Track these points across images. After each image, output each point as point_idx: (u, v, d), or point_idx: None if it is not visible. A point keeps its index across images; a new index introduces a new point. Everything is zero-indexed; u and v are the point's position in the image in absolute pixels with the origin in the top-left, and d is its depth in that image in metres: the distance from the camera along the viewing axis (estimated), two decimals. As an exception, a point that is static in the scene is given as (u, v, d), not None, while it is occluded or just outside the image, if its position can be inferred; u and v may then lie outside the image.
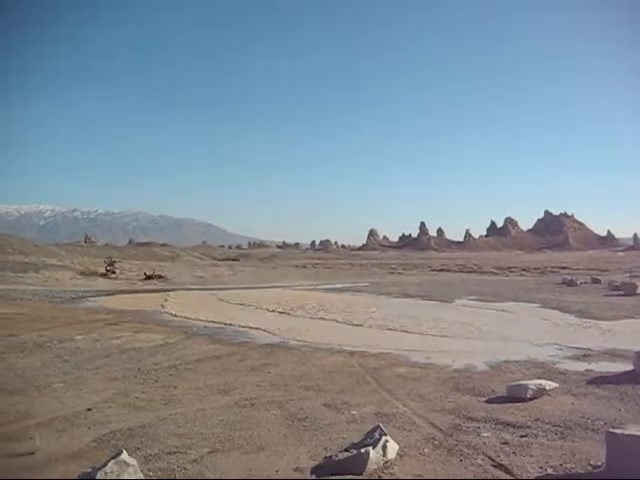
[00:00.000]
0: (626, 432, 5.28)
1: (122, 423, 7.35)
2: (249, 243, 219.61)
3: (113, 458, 4.63)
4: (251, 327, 17.62)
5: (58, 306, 24.40)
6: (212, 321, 19.07)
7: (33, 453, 6.19)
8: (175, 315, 21.28)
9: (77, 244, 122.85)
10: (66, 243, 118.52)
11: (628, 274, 48.81)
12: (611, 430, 5.47)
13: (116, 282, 43.25)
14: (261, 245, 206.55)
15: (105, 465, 4.54)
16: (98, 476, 4.43)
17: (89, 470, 4.60)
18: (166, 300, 27.97)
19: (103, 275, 48.33)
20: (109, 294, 32.21)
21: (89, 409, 8.04)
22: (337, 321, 19.68)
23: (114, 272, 48.75)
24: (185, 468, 5.74)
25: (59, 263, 58.63)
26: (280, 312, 22.64)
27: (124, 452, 4.73)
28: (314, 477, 5.49)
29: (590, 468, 5.59)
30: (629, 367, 10.36)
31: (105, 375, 10.42)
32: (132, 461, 4.69)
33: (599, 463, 5.56)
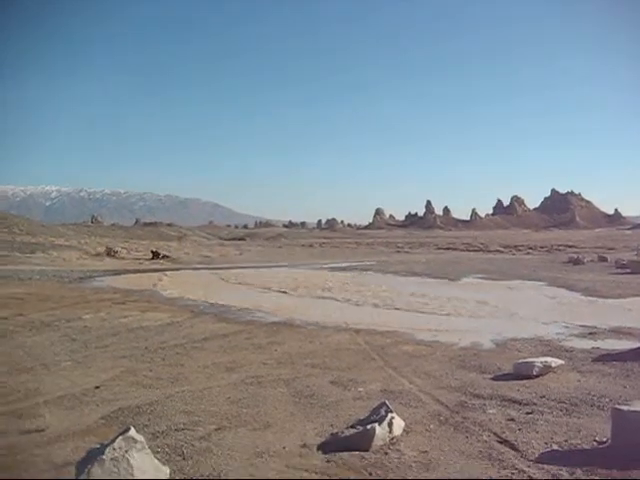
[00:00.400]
0: (631, 408, 5.31)
1: (130, 401, 7.42)
2: (255, 222, 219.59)
3: (121, 434, 4.68)
4: (252, 308, 17.52)
5: (66, 286, 24.49)
6: (209, 301, 18.93)
7: (43, 430, 6.27)
8: (170, 295, 21.26)
9: (84, 224, 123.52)
10: (73, 223, 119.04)
11: (635, 252, 48.70)
12: (616, 407, 5.51)
13: (123, 262, 43.39)
14: (267, 224, 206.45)
15: (113, 441, 4.59)
16: (106, 452, 4.48)
17: (97, 446, 4.66)
18: (161, 280, 27.93)
19: (112, 256, 48.32)
20: (116, 274, 32.31)
21: (97, 387, 8.12)
22: (343, 300, 19.67)
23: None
24: (192, 445, 5.80)
25: (66, 243, 59.03)
26: (285, 292, 22.66)
27: (132, 429, 4.78)
28: (320, 453, 5.56)
29: (595, 444, 5.64)
30: (635, 344, 10.42)
31: (113, 354, 10.50)
32: (140, 437, 4.74)
33: (604, 439, 5.60)
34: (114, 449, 4.52)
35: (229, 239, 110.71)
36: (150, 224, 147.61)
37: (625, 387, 7.81)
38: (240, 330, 13.23)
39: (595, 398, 7.22)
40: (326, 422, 6.48)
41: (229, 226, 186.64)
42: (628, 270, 28.84)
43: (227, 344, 11.52)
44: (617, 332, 12.46)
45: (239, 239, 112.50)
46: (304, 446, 5.75)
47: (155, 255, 47.04)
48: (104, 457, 4.46)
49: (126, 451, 4.55)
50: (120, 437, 4.64)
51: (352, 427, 5.92)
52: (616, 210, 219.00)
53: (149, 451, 4.79)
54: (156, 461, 4.81)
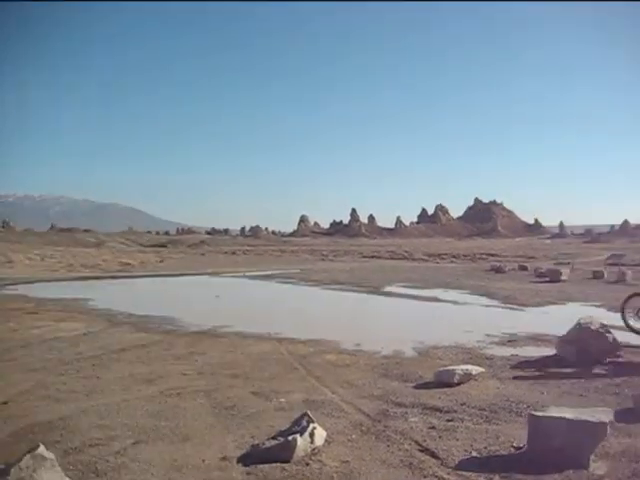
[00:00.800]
0: (547, 414, 5.50)
1: (40, 416, 7.11)
2: (177, 229, 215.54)
3: (29, 452, 4.46)
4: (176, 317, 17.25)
5: (-28, 295, 23.35)
6: (128, 311, 18.50)
7: (-58, 450, 5.92)
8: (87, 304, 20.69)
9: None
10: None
11: (553, 261, 50.78)
12: (532, 412, 5.69)
13: (37, 269, 41.78)
14: (189, 231, 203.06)
15: (20, 460, 4.36)
16: (12, 472, 4.26)
17: (2, 466, 4.41)
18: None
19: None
20: (29, 282, 31.08)
21: (4, 402, 7.74)
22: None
23: None
24: (107, 460, 5.60)
25: (-27, 249, 56.27)
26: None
27: (41, 446, 4.56)
28: (241, 466, 5.49)
29: (513, 450, 5.80)
30: (552, 351, 10.81)
31: (23, 367, 10.05)
32: (50, 455, 4.53)
33: (522, 445, 5.76)
34: (20, 469, 4.30)
35: (150, 246, 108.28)
36: (66, 230, 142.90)
37: (542, 393, 8.08)
38: (159, 340, 12.94)
39: (514, 405, 7.43)
40: (247, 434, 6.40)
41: (150, 232, 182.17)
42: (547, 279, 29.94)
43: (145, 355, 11.24)
44: (535, 339, 12.88)
45: (160, 246, 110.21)
46: (224, 459, 5.66)
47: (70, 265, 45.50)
48: (9, 478, 4.23)
49: (34, 470, 4.33)
50: (28, 455, 4.41)
51: (273, 438, 5.87)
52: (536, 220, 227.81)
53: (59, 469, 4.59)
54: (67, 479, 4.62)
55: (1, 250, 57.73)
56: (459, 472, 5.26)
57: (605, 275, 30.13)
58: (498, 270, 37.31)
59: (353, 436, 6.32)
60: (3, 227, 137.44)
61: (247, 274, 38.96)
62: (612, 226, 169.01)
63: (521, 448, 5.71)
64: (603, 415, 5.44)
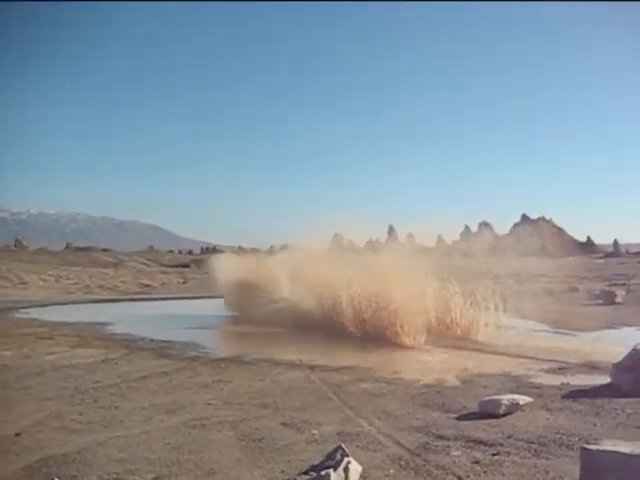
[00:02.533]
0: (601, 448, 5.43)
1: (56, 448, 7.25)
2: (201, 248, 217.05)
3: (44, 486, 4.58)
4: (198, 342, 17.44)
5: (-17, 319, 23.88)
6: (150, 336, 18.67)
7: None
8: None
9: (6, 249, 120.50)
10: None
11: (607, 282, 49.91)
12: (585, 446, 5.62)
13: (51, 291, 42.56)
14: (215, 250, 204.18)
15: (35, 494, 4.49)
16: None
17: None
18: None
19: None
20: (43, 305, 31.67)
21: (18, 434, 7.91)
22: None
23: None
24: (126, 496, 5.71)
25: (-16, 270, 57.55)
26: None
27: (57, 480, 4.69)
28: (270, 503, 5.53)
29: (564, 486, 5.74)
30: (606, 380, 10.65)
31: (37, 395, 10.25)
32: (66, 489, 4.65)
33: (573, 481, 5.71)
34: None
35: (172, 266, 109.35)
36: (83, 249, 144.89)
37: (595, 425, 7.99)
38: (182, 367, 13.08)
39: (564, 437, 7.36)
40: (277, 468, 6.44)
41: (172, 252, 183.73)
42: (600, 301, 29.53)
43: (168, 383, 11.37)
44: (588, 367, 12.73)
45: (183, 266, 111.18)
46: (252, 495, 5.71)
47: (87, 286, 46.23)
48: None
49: (50, 505, 4.44)
50: (43, 489, 4.53)
51: (305, 473, 5.91)
52: (588, 238, 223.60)
53: (76, 504, 4.70)
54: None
55: (14, 271, 58.99)
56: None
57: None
58: (547, 292, 36.90)
59: (391, 471, 6.31)
60: (16, 246, 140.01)
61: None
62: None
63: (573, 485, 5.65)
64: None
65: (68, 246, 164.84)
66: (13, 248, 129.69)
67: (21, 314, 26.49)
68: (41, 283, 49.67)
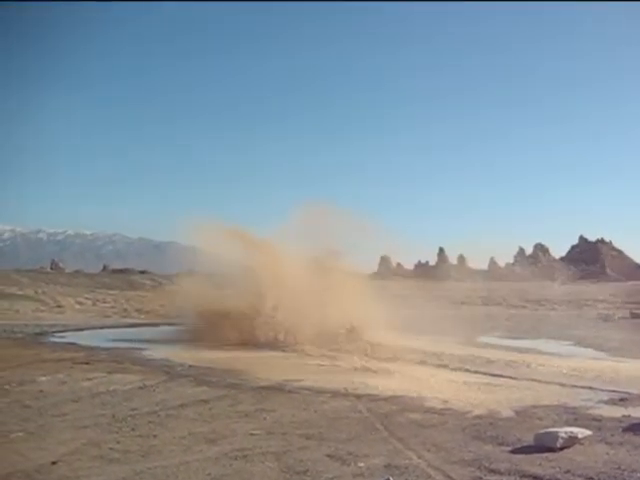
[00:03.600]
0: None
1: (93, 478, 7.38)
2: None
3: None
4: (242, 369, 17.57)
5: (18, 343, 24.38)
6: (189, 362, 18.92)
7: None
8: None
9: (42, 270, 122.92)
10: (28, 270, 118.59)
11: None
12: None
13: (88, 315, 43.25)
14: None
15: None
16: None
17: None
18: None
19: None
20: (79, 329, 32.18)
21: (54, 462, 8.07)
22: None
23: None
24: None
25: (20, 292, 58.81)
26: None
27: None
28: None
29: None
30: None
31: (73, 423, 10.45)
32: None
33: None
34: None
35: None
36: (120, 271, 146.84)
37: (658, 461, 7.84)
38: (223, 395, 13.19)
39: (626, 473, 7.29)
40: (321, 502, 6.46)
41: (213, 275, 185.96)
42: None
43: (208, 411, 11.49)
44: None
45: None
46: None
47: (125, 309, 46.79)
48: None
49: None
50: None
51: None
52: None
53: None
54: None
55: (50, 293, 60.19)
56: None
57: None
58: (607, 318, 36.37)
59: (442, 507, 6.28)
60: (52, 268, 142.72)
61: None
62: None
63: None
64: None
65: (105, 268, 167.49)
66: (49, 270, 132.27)
67: (57, 338, 26.93)
68: (77, 306, 50.48)
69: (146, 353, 21.35)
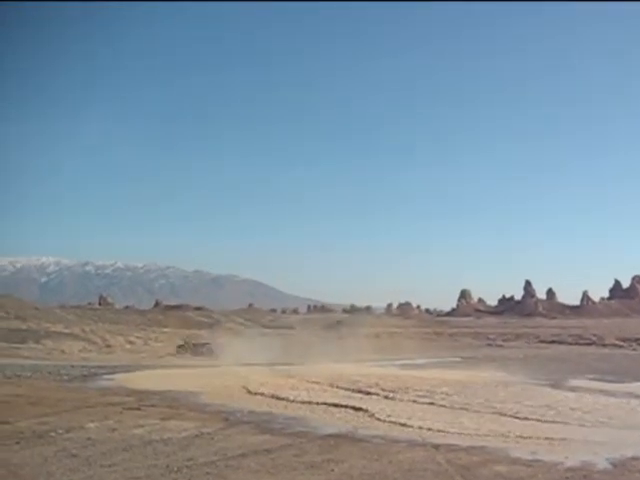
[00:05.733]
0: None
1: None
2: (308, 307, 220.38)
3: None
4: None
5: (64, 385, 24.94)
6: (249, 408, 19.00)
7: None
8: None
9: (89, 307, 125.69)
10: (75, 305, 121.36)
11: None
12: None
13: (139, 355, 43.93)
14: (323, 309, 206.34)
15: None
16: None
17: None
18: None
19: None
20: (129, 370, 32.70)
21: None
22: (416, 402, 19.65)
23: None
24: None
25: (66, 331, 60.12)
26: (353, 391, 22.94)
27: None
28: None
29: None
30: None
31: (124, 473, 10.61)
32: None
33: None
34: None
35: (274, 327, 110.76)
36: (174, 307, 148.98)
37: None
38: (287, 444, 13.21)
39: None
40: None
41: (274, 310, 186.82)
42: None
43: (271, 462, 11.52)
44: None
45: (287, 327, 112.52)
46: None
47: (180, 346, 47.36)
48: None
49: None
50: None
51: None
52: None
53: None
54: None
55: (98, 332, 61.39)
56: None
57: None
58: None
59: None
60: (100, 304, 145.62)
61: (396, 363, 38.96)
62: None
63: None
64: None
65: (157, 304, 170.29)
66: (97, 306, 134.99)
67: (105, 381, 27.42)
68: (127, 346, 51.35)
69: (202, 397, 21.52)
